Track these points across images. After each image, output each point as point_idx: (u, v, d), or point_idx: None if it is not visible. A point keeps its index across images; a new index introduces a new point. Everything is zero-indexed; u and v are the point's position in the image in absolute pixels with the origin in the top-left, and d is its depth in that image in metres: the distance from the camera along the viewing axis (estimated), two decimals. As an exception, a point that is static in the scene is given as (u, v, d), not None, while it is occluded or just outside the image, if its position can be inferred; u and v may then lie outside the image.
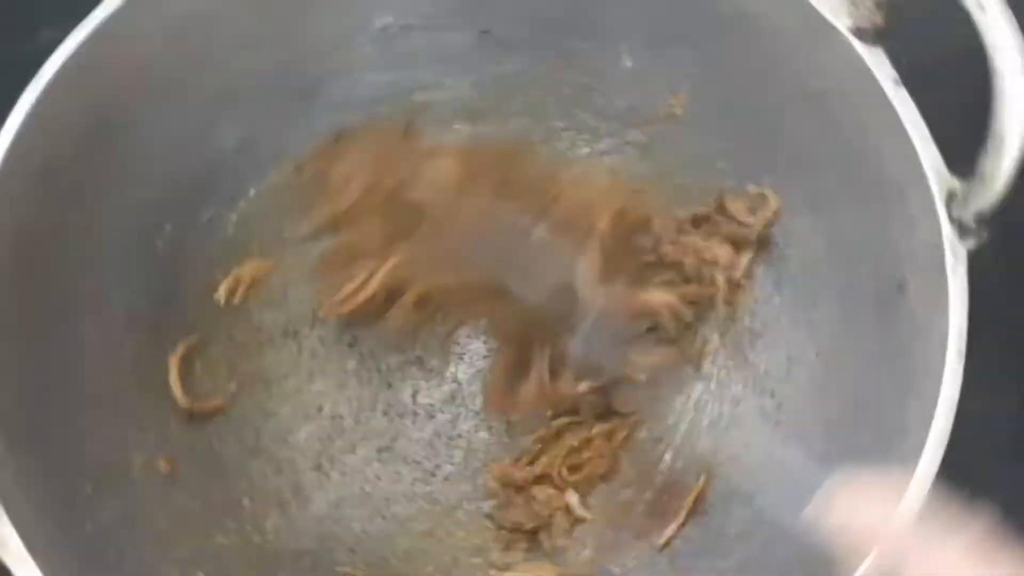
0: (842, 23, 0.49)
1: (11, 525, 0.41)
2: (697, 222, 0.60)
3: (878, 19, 0.48)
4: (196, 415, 0.57)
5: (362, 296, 0.55)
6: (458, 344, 0.63)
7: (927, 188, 0.46)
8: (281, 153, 0.61)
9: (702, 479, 0.56)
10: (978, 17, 0.42)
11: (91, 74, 0.50)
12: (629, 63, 0.61)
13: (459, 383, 0.63)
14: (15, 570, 0.41)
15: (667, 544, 0.55)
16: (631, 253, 0.58)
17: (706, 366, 0.61)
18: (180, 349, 0.57)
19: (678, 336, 0.59)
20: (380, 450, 0.61)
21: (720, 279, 0.59)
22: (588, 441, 0.59)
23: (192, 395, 0.57)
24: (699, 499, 0.56)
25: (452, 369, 0.63)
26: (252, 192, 0.61)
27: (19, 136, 0.47)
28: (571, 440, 0.59)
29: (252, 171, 0.61)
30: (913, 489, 0.41)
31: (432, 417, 0.62)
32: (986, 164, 0.43)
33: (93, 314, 0.53)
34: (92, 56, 0.50)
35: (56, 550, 0.43)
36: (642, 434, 0.60)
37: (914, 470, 0.42)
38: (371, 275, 0.55)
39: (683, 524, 0.55)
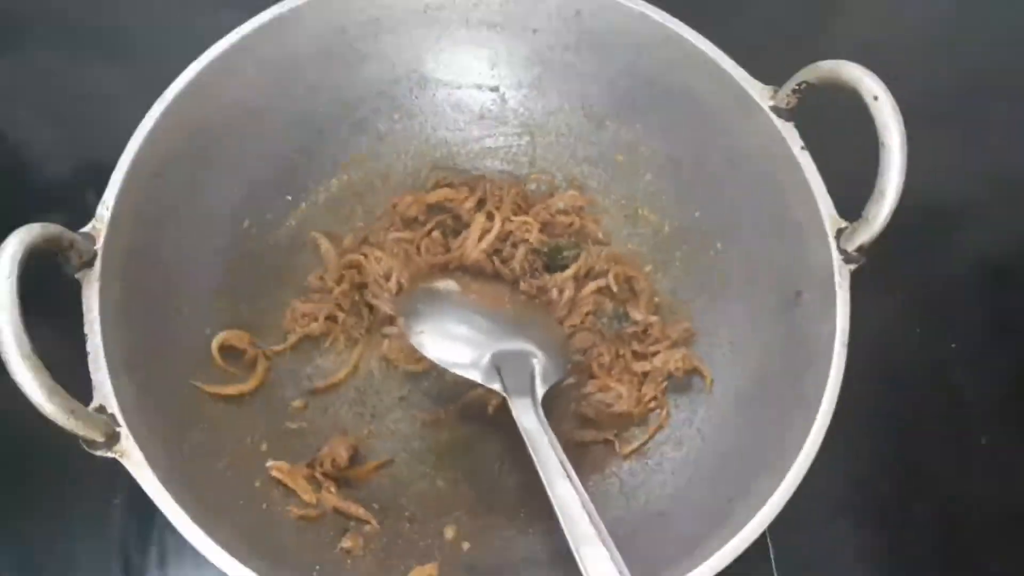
0: (765, 103, 0.47)
1: (133, 442, 0.37)
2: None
3: (792, 102, 0.46)
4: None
5: None
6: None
7: (823, 226, 0.44)
8: (334, 167, 0.57)
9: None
10: (872, 105, 0.40)
11: (199, 99, 0.47)
12: (610, 125, 0.57)
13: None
14: (135, 474, 0.37)
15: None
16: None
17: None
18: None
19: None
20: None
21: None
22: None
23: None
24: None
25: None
26: (312, 193, 0.56)
27: (144, 142, 0.44)
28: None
29: (312, 177, 0.56)
30: (809, 442, 0.39)
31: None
32: (871, 210, 0.41)
33: (188, 284, 0.49)
34: (201, 85, 0.46)
35: (164, 461, 0.39)
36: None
37: (809, 431, 0.39)
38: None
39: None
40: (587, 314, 0.53)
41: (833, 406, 0.40)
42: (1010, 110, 0.68)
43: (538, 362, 0.47)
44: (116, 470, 0.36)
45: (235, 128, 0.50)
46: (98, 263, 0.40)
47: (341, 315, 0.52)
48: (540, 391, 0.45)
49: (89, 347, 0.39)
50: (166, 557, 0.49)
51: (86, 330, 0.39)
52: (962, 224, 0.64)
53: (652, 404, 0.51)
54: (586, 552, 0.36)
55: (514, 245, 0.54)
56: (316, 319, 0.52)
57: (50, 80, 0.63)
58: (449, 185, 0.56)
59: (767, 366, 0.47)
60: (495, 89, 0.57)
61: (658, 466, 0.49)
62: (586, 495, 0.38)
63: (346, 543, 0.46)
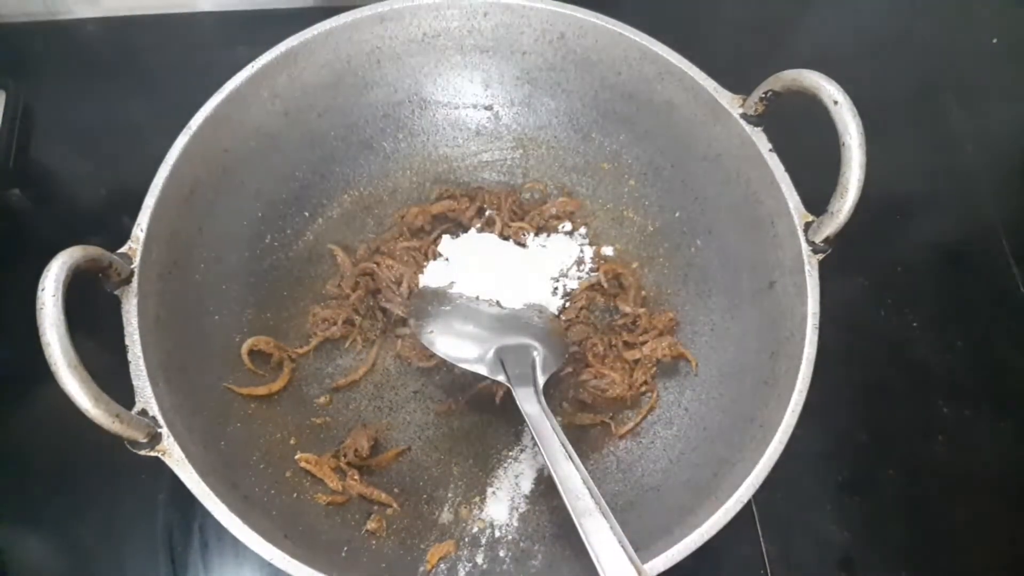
0: (735, 111, 0.47)
1: (173, 441, 0.37)
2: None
3: (760, 109, 0.46)
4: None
5: None
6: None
7: (791, 219, 0.44)
8: (346, 184, 0.57)
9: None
10: (832, 109, 0.41)
11: (221, 127, 0.47)
12: (596, 137, 0.57)
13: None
14: (176, 470, 0.37)
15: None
16: None
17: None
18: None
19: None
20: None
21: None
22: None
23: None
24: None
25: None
26: (327, 208, 0.56)
27: (173, 169, 0.44)
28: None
29: (327, 194, 0.56)
30: (786, 418, 0.39)
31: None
32: (835, 204, 0.41)
33: (218, 296, 0.49)
34: (222, 115, 0.47)
35: (202, 457, 0.39)
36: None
37: (786, 405, 0.39)
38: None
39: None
40: (581, 308, 0.53)
41: (807, 383, 0.40)
42: (958, 110, 0.69)
43: (538, 354, 0.47)
44: (159, 468, 0.37)
45: (255, 152, 0.50)
46: (135, 280, 0.40)
47: (358, 319, 0.52)
48: (541, 380, 0.45)
49: (130, 357, 0.39)
50: (208, 545, 0.49)
51: (126, 341, 0.39)
52: (918, 214, 0.64)
53: (643, 388, 0.51)
54: (588, 524, 0.36)
55: (512, 248, 0.54)
56: (335, 323, 0.52)
57: (85, 115, 0.63)
58: (451, 196, 0.56)
59: (746, 350, 0.47)
60: (489, 108, 0.57)
61: (651, 444, 0.50)
62: (586, 472, 0.38)
63: (371, 525, 0.46)
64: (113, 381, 0.36)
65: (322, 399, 0.51)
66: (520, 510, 0.48)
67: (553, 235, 0.56)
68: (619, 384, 0.50)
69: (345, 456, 0.47)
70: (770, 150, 0.45)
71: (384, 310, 0.53)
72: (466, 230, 0.55)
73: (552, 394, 0.51)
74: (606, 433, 0.50)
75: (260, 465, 0.45)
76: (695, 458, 0.46)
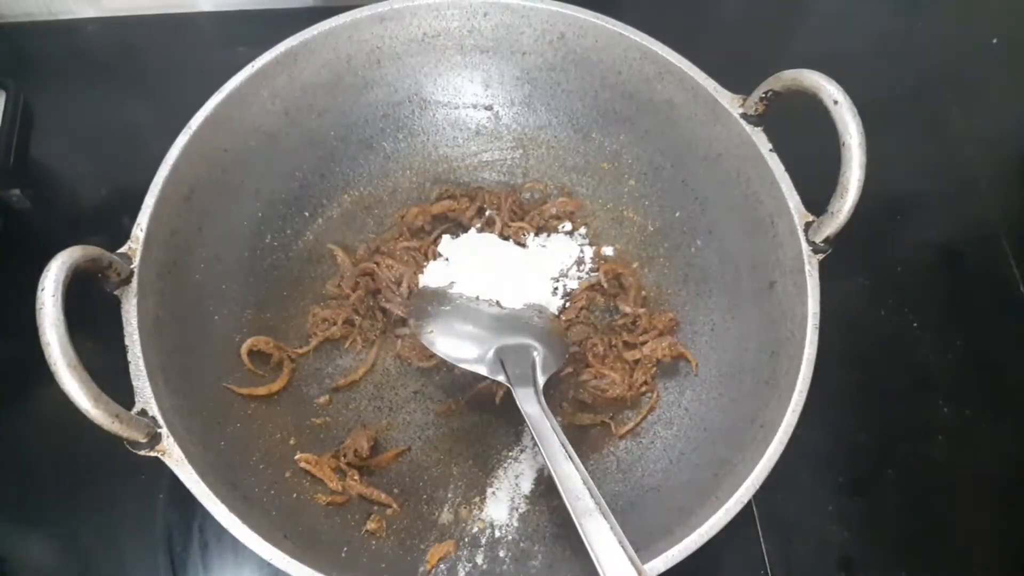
0: (735, 111, 0.47)
1: (173, 441, 0.37)
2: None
3: (760, 109, 0.46)
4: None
5: None
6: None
7: (791, 219, 0.44)
8: (346, 184, 0.57)
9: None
10: (832, 108, 0.41)
11: (221, 127, 0.47)
12: (595, 137, 0.57)
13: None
14: (176, 470, 0.37)
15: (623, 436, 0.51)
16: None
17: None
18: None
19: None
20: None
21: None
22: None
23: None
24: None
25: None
26: (327, 208, 0.56)
27: (173, 168, 0.44)
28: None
29: (326, 194, 0.56)
30: (786, 418, 0.39)
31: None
32: (835, 204, 0.41)
33: (217, 296, 0.49)
34: (221, 115, 0.47)
35: (202, 457, 0.39)
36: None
37: (787, 406, 0.39)
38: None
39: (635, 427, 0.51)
40: (581, 309, 0.53)
41: (807, 384, 0.40)
42: (958, 110, 0.69)
43: (538, 354, 0.47)
44: (159, 468, 0.36)
45: (254, 152, 0.50)
46: (135, 280, 0.40)
47: (358, 319, 0.52)
48: (541, 380, 0.45)
49: (129, 357, 0.39)
50: (208, 545, 0.49)
51: (126, 341, 0.39)
52: (919, 214, 0.64)
53: (643, 388, 0.51)
54: (588, 524, 0.36)
55: (512, 248, 0.54)
56: (335, 323, 0.52)
57: (85, 115, 0.63)
58: (451, 197, 0.56)
59: (746, 350, 0.47)
60: (489, 108, 0.57)
61: (651, 444, 0.49)
62: (586, 473, 0.38)
63: (370, 525, 0.46)
64: (113, 381, 0.36)
65: (322, 399, 0.51)
66: (520, 510, 0.48)
67: (553, 235, 0.56)
68: (619, 384, 0.50)
69: (345, 456, 0.47)
70: (770, 150, 0.45)
71: (384, 310, 0.53)
72: (466, 230, 0.55)
73: (552, 394, 0.50)
74: (606, 433, 0.50)
75: (260, 465, 0.45)
76: (695, 458, 0.46)
